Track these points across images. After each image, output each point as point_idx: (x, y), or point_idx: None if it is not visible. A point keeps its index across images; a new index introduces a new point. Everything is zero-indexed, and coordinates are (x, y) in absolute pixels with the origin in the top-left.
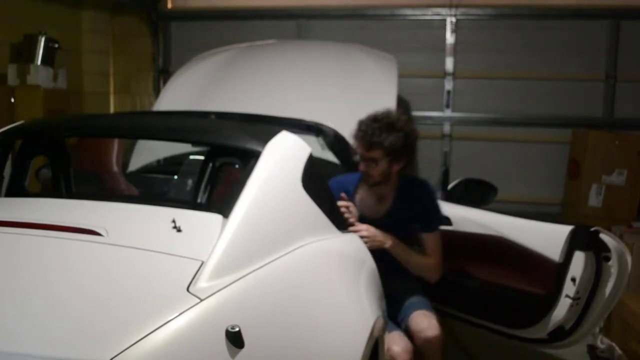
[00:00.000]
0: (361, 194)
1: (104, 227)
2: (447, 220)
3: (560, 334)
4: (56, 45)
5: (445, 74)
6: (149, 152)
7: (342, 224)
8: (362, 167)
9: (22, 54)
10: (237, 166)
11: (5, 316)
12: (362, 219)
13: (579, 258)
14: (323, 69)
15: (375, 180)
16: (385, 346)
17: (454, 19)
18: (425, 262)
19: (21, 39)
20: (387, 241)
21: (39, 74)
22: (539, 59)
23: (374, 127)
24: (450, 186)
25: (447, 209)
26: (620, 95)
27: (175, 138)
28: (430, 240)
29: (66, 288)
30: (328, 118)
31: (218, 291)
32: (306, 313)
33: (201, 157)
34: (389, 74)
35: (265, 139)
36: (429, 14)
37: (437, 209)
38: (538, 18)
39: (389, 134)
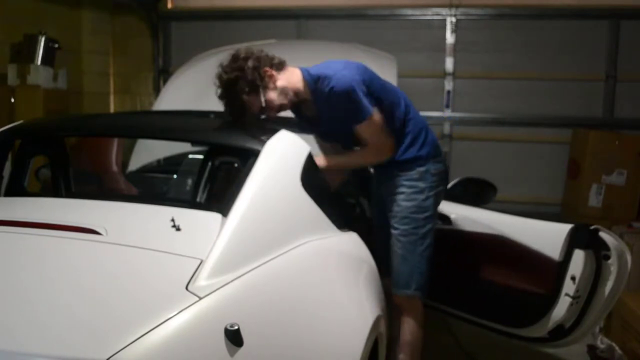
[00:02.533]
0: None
1: (103, 226)
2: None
3: (560, 332)
4: (56, 45)
5: (445, 74)
6: (149, 151)
7: (341, 223)
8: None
9: (22, 54)
10: (236, 165)
11: (5, 315)
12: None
13: (578, 257)
14: None
15: (276, 113)
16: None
17: (454, 19)
18: (362, 154)
19: (21, 39)
20: (321, 163)
21: (39, 74)
22: (539, 59)
23: (221, 92)
24: (450, 185)
25: (447, 207)
26: (620, 95)
27: (175, 137)
28: (360, 131)
29: (65, 287)
30: None
31: (217, 289)
32: (305, 311)
33: (200, 157)
34: (389, 74)
35: (264, 138)
36: (429, 14)
37: (354, 103)
38: (538, 18)
39: (234, 84)
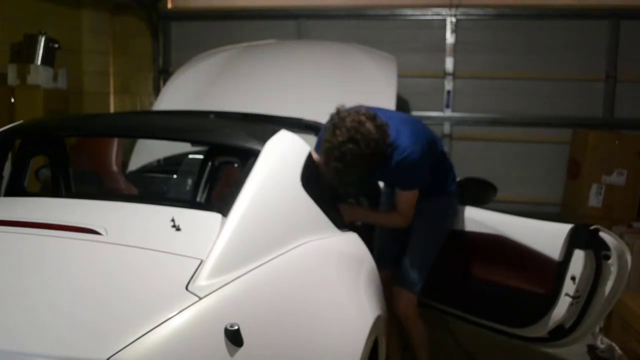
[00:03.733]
0: None
1: (103, 226)
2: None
3: (560, 332)
4: (56, 45)
5: (445, 74)
6: (149, 151)
7: (341, 223)
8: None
9: (22, 54)
10: (236, 165)
11: (5, 315)
12: None
13: (578, 257)
14: (323, 69)
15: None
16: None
17: (454, 19)
18: (389, 217)
19: (21, 39)
20: (349, 216)
21: (39, 74)
22: (539, 59)
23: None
24: None
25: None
26: (620, 95)
27: (175, 137)
28: (400, 195)
29: (65, 287)
30: (328, 117)
31: (217, 289)
32: (305, 311)
33: (200, 157)
34: (389, 74)
35: (264, 138)
36: (429, 14)
37: (409, 174)
38: (538, 18)
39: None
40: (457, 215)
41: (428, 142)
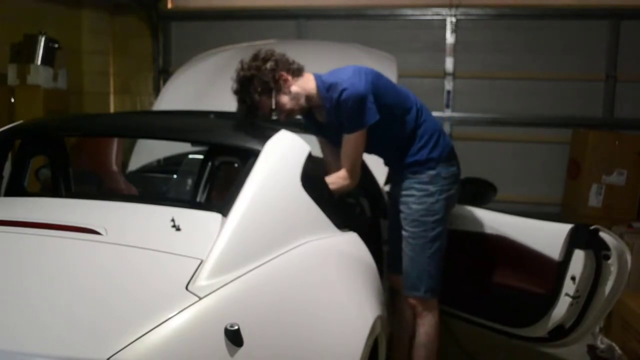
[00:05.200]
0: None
1: (103, 226)
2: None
3: (560, 332)
4: (56, 45)
5: (445, 74)
6: (149, 151)
7: (341, 223)
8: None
9: (22, 54)
10: (236, 165)
11: (5, 315)
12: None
13: (578, 256)
14: (323, 69)
15: (286, 117)
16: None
17: (454, 19)
18: (331, 179)
19: (21, 39)
20: None
21: (39, 74)
22: (539, 59)
23: (236, 88)
24: None
25: None
26: (620, 95)
27: (175, 137)
28: (345, 141)
29: (65, 287)
30: None
31: (217, 289)
32: (305, 312)
33: (200, 157)
34: (388, 74)
35: (264, 137)
36: (429, 14)
37: (358, 111)
38: (538, 18)
39: (249, 81)
40: (455, 186)
41: (376, 78)
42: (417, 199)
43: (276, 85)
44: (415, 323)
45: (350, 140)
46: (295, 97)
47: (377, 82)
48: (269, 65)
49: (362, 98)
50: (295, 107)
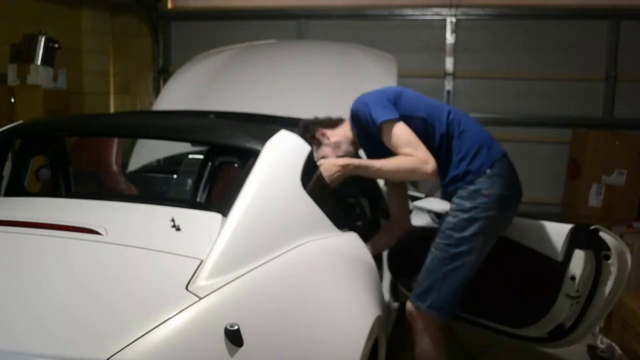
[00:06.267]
0: None
1: (103, 226)
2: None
3: (560, 332)
4: (56, 45)
5: (445, 74)
6: (149, 152)
7: (341, 223)
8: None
9: (22, 54)
10: (236, 165)
11: (5, 315)
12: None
13: (578, 256)
14: (323, 69)
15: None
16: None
17: (454, 19)
18: (398, 159)
19: (21, 39)
20: (346, 166)
21: (39, 74)
22: (539, 59)
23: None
24: None
25: (446, 207)
26: (620, 95)
27: (175, 137)
28: (385, 139)
29: (65, 287)
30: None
31: (217, 289)
32: (305, 312)
33: (200, 157)
34: (388, 74)
35: (264, 138)
36: (429, 14)
37: (369, 111)
38: (538, 18)
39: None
40: (501, 208)
41: (394, 93)
42: (451, 211)
43: (315, 141)
44: (414, 334)
45: (390, 136)
46: (337, 145)
47: (389, 92)
48: (304, 125)
49: (369, 99)
50: (342, 153)
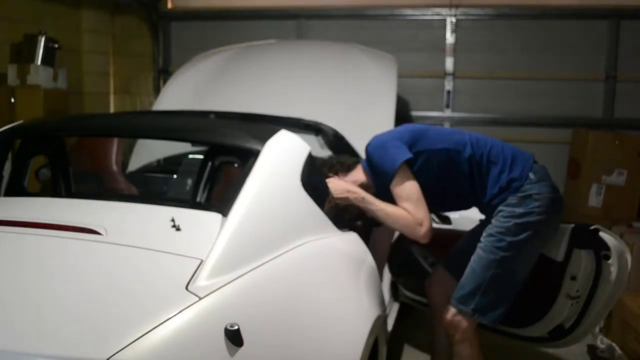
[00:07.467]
0: None
1: (103, 226)
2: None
3: (560, 332)
4: (56, 45)
5: (445, 74)
6: (149, 151)
7: (341, 223)
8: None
9: (22, 54)
10: (236, 165)
11: (5, 314)
12: None
13: (578, 256)
14: (323, 69)
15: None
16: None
17: (454, 19)
18: (398, 212)
19: (21, 39)
20: (352, 194)
21: (39, 74)
22: (539, 59)
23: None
24: None
25: None
26: (620, 95)
27: (175, 137)
28: (393, 188)
29: (65, 287)
30: (327, 117)
31: (217, 289)
32: (305, 311)
33: (200, 157)
34: (388, 74)
35: (264, 138)
36: (429, 14)
37: (384, 158)
38: (538, 18)
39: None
40: (552, 212)
41: (410, 132)
42: (502, 215)
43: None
44: (451, 340)
45: (397, 185)
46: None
47: (406, 132)
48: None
49: (383, 142)
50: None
